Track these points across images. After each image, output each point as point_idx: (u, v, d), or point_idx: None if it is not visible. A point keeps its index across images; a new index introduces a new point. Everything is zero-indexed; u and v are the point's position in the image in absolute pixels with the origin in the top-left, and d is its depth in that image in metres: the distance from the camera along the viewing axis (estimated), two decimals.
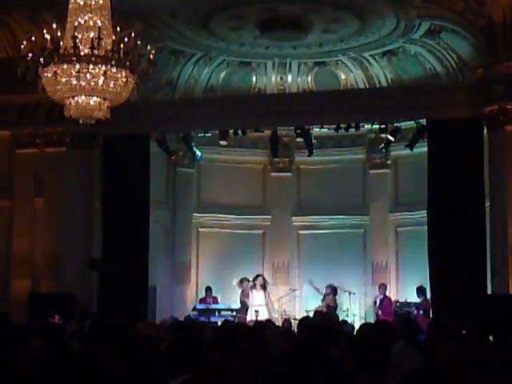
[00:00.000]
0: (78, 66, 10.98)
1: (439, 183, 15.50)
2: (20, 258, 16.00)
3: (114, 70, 11.14)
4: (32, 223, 16.12)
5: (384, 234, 18.96)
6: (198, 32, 16.07)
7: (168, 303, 18.18)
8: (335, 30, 15.88)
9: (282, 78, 18.45)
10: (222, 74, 18.32)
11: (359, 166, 19.42)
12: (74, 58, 10.94)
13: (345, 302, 17.55)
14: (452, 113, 15.27)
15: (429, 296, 15.89)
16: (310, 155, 18.48)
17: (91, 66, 11.00)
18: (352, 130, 17.50)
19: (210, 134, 18.18)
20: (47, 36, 11.12)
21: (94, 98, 11.50)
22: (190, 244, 19.39)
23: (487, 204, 14.99)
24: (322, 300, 17.27)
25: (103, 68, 11.04)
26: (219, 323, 14.82)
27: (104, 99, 11.56)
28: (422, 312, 16.01)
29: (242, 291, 17.47)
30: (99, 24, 10.99)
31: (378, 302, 17.05)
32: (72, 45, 10.86)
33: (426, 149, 15.98)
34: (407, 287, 17.58)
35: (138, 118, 16.59)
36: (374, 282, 18.24)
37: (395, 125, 17.52)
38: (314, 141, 18.23)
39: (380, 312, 16.69)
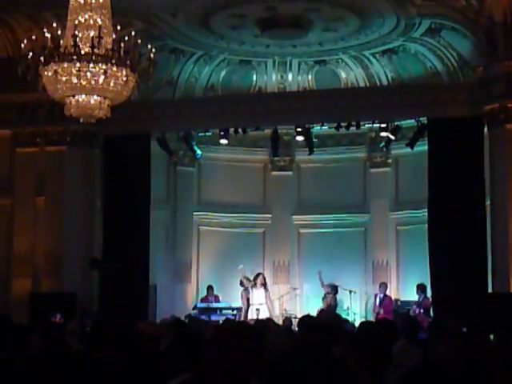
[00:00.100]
0: (78, 64, 10.98)
1: (440, 182, 15.49)
2: (21, 257, 15.99)
3: (114, 68, 11.14)
4: (33, 222, 16.12)
5: (384, 232, 18.95)
6: (198, 31, 16.07)
7: (169, 302, 18.18)
8: (335, 28, 15.87)
9: (282, 77, 18.45)
10: (223, 73, 18.32)
11: (360, 165, 19.41)
12: (75, 57, 10.94)
13: (345, 300, 17.54)
14: (452, 111, 15.26)
15: (429, 294, 15.90)
16: (310, 154, 18.48)
17: (91, 65, 11.00)
18: (352, 129, 17.50)
19: (210, 133, 18.19)
20: (47, 35, 11.13)
21: (95, 97, 11.50)
22: (190, 243, 19.39)
23: (488, 202, 14.99)
24: (323, 299, 17.27)
25: (103, 67, 11.04)
26: (220, 322, 14.82)
27: (104, 98, 11.56)
28: (422, 310, 16.00)
29: (245, 289, 17.46)
30: (99, 23, 11.00)
31: (377, 301, 17.02)
32: (72, 43, 10.86)
33: (426, 147, 15.97)
34: (408, 286, 17.57)
35: (139, 116, 16.60)
36: (375, 281, 18.22)
37: (396, 123, 17.50)
38: (314, 139, 18.23)
39: (382, 311, 16.67)
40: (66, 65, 11.06)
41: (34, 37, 11.43)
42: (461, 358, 4.29)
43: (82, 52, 10.93)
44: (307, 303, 18.42)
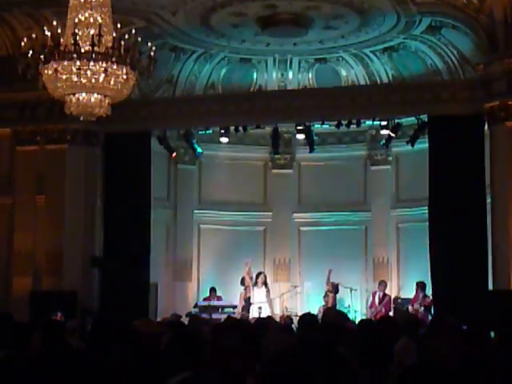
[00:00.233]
0: (78, 62, 10.98)
1: (440, 179, 15.49)
2: (21, 256, 15.99)
3: (114, 66, 11.14)
4: (33, 221, 16.12)
5: (385, 230, 18.96)
6: (198, 29, 16.06)
7: (170, 301, 18.20)
8: (336, 26, 15.86)
9: (282, 75, 18.44)
10: (223, 71, 18.31)
11: (360, 163, 19.42)
12: (75, 55, 10.94)
13: (346, 298, 17.54)
14: (453, 109, 15.26)
15: (429, 292, 15.90)
16: (311, 152, 18.49)
17: (92, 63, 10.99)
18: (353, 127, 17.51)
19: (210, 131, 18.20)
20: (48, 33, 11.13)
21: (95, 95, 11.49)
22: (191, 241, 19.39)
23: (488, 200, 14.99)
24: (324, 297, 17.27)
25: (104, 65, 11.04)
26: (222, 320, 14.81)
27: (105, 96, 11.56)
28: (423, 308, 16.01)
29: (245, 288, 17.45)
30: (99, 21, 10.99)
31: (377, 299, 17.01)
32: (72, 42, 10.86)
33: (427, 145, 15.97)
34: (408, 283, 17.56)
35: (139, 115, 16.60)
36: (376, 279, 18.22)
37: (396, 121, 17.50)
38: (315, 137, 18.23)
39: (383, 310, 16.66)
40: (66, 63, 11.05)
41: (34, 35, 11.43)
42: (458, 354, 4.29)
43: (82, 50, 10.93)
44: (308, 301, 18.43)
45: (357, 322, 9.14)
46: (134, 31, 11.56)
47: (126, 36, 11.30)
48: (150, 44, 11.68)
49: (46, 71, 11.27)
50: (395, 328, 6.84)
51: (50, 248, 15.96)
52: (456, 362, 4.20)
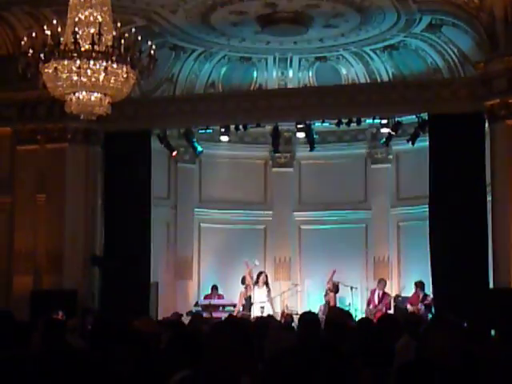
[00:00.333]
0: (78, 61, 10.96)
1: (441, 178, 15.49)
2: (22, 255, 15.99)
3: (114, 65, 11.12)
4: (33, 220, 16.11)
5: (385, 228, 18.96)
6: (198, 28, 16.05)
7: (170, 299, 18.20)
8: (336, 24, 15.85)
9: (282, 73, 18.44)
10: (223, 70, 18.31)
11: (360, 161, 19.41)
12: (75, 54, 10.93)
13: (347, 296, 17.54)
14: (453, 107, 15.25)
15: (429, 290, 15.90)
16: (311, 150, 18.50)
17: (92, 62, 10.98)
18: (353, 125, 17.51)
19: (211, 130, 18.20)
20: (48, 32, 11.11)
21: (95, 94, 11.48)
22: (191, 240, 19.40)
23: (489, 198, 14.98)
24: (325, 295, 17.26)
25: (104, 64, 11.02)
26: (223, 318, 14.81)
27: (105, 95, 11.54)
28: (423, 307, 16.01)
29: (245, 287, 17.44)
30: (100, 20, 10.97)
31: (376, 298, 16.99)
32: (72, 40, 10.84)
33: (427, 143, 15.95)
34: (409, 282, 17.55)
35: (139, 113, 16.60)
36: (376, 277, 18.22)
37: (396, 119, 17.50)
38: (315, 136, 18.23)
39: (384, 308, 16.66)
40: (66, 62, 11.04)
41: (34, 34, 11.41)
42: (457, 352, 4.28)
43: (83, 49, 10.91)
44: (308, 299, 18.43)
45: (357, 321, 9.14)
46: (134, 30, 11.55)
47: (126, 35, 11.29)
48: (150, 43, 11.66)
49: (46, 70, 11.26)
50: (396, 326, 6.85)
51: (50, 247, 15.96)
52: (455, 360, 4.19)
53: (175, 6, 15.04)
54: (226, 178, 19.40)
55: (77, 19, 11.01)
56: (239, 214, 19.49)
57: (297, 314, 15.16)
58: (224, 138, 18.26)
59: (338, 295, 17.31)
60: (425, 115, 16.39)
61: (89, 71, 11.04)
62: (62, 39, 11.02)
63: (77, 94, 11.48)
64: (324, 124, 17.81)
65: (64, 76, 11.14)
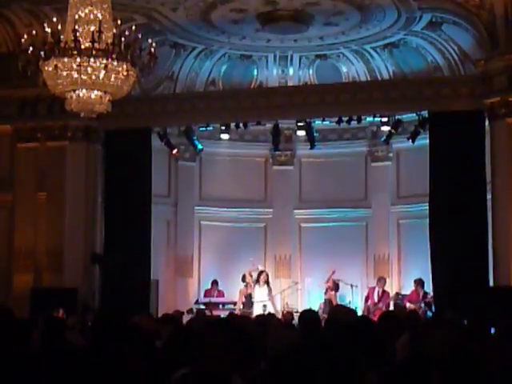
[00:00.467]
0: (78, 59, 10.96)
1: (441, 175, 15.49)
2: (22, 253, 15.99)
3: (114, 63, 11.12)
4: (33, 217, 16.11)
5: (386, 226, 18.95)
6: (198, 25, 16.05)
7: (170, 297, 18.21)
8: (336, 22, 15.85)
9: (283, 71, 18.43)
10: (223, 68, 18.30)
11: (361, 159, 19.40)
12: (75, 52, 10.92)
13: (347, 294, 17.54)
14: (454, 105, 15.26)
15: (430, 288, 15.89)
16: (311, 148, 18.51)
17: (92, 60, 10.97)
18: (354, 123, 17.54)
19: (211, 128, 18.19)
20: (48, 29, 11.11)
21: (95, 92, 11.48)
22: (191, 238, 19.39)
23: (489, 196, 14.98)
24: (325, 293, 17.26)
25: (104, 61, 11.02)
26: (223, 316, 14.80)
27: (105, 93, 11.54)
28: (423, 305, 16.00)
29: (245, 285, 17.44)
30: (100, 17, 10.97)
31: (376, 296, 16.98)
32: (73, 38, 10.84)
33: (427, 141, 15.96)
34: (409, 279, 17.55)
35: (140, 111, 16.60)
36: (376, 275, 18.19)
37: (397, 117, 17.51)
38: (315, 134, 18.22)
39: (384, 307, 16.65)
40: (66, 59, 11.03)
41: (34, 31, 11.41)
42: (456, 349, 4.28)
43: (83, 47, 10.91)
44: (308, 297, 18.43)
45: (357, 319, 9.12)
46: (134, 28, 11.53)
47: (127, 32, 11.28)
48: (150, 40, 11.66)
49: (46, 68, 11.25)
50: (397, 324, 6.84)
51: (50, 245, 15.96)
52: (452, 356, 4.19)
53: (175, 4, 15.04)
54: (227, 176, 19.39)
55: (77, 17, 11.01)
56: (239, 211, 19.48)
57: (297, 312, 15.16)
58: (224, 136, 18.27)
59: (338, 293, 17.32)
60: (425, 113, 16.40)
61: (89, 69, 11.04)
62: (62, 37, 11.01)
63: (77, 92, 11.48)
64: (324, 122, 17.81)
65: (64, 74, 11.14)
